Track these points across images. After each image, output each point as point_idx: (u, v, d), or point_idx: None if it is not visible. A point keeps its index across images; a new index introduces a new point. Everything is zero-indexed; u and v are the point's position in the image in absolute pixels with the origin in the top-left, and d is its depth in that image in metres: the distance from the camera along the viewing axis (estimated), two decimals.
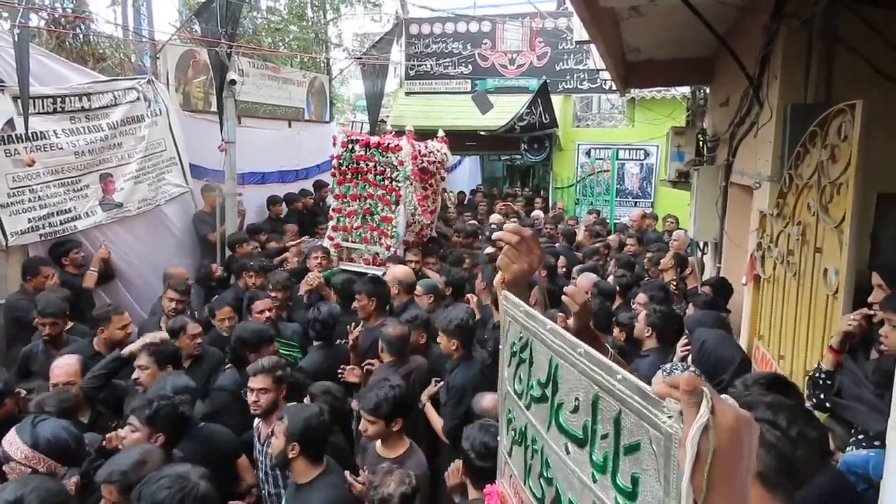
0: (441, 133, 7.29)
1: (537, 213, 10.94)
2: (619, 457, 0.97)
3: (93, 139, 6.11)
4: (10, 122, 5.32)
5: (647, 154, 12.93)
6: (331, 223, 6.51)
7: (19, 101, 5.20)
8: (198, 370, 4.32)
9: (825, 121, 2.81)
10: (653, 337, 4.21)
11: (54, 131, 5.76)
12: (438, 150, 6.96)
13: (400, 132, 7.10)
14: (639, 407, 0.90)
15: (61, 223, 5.84)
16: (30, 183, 5.58)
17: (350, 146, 6.24)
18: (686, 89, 10.07)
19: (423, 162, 6.50)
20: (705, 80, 6.88)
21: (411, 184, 6.26)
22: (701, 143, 6.58)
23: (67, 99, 5.88)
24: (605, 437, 1.01)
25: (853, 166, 2.51)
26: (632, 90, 10.87)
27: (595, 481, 1.03)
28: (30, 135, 5.45)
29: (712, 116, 6.58)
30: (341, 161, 6.28)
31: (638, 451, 0.91)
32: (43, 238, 5.69)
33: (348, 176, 6.30)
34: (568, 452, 1.13)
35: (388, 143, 6.21)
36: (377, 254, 6.25)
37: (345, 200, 6.36)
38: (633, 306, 5.06)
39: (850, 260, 2.56)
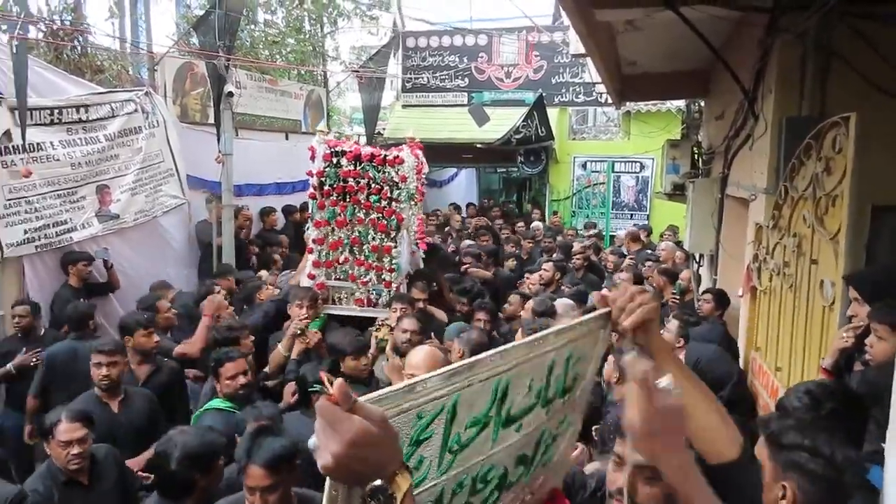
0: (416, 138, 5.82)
1: (537, 223, 10.93)
2: (567, 374, 1.37)
3: (90, 151, 6.11)
4: (7, 134, 5.32)
5: (642, 167, 12.99)
6: (311, 257, 5.24)
7: (17, 112, 5.21)
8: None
9: (820, 133, 2.83)
10: (683, 348, 4.19)
11: (51, 143, 5.76)
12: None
13: (398, 143, 6.21)
14: (584, 330, 1.36)
15: (57, 235, 5.82)
16: (26, 194, 5.56)
17: (335, 160, 5.10)
18: (681, 102, 10.13)
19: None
20: (700, 94, 6.91)
21: (415, 204, 5.31)
22: (696, 155, 6.61)
23: (65, 110, 5.88)
24: (557, 376, 1.34)
25: (848, 178, 2.53)
26: (627, 103, 10.94)
27: (560, 403, 1.40)
28: (27, 146, 5.45)
29: (707, 129, 6.62)
30: (324, 178, 5.11)
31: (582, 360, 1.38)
32: (39, 250, 5.67)
33: (333, 197, 5.13)
34: (520, 429, 1.33)
35: (385, 156, 5.16)
36: (373, 293, 5.18)
37: (329, 228, 5.18)
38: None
39: (846, 271, 2.57)
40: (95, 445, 3.24)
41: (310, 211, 5.35)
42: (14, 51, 5.03)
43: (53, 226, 5.79)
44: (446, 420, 1.15)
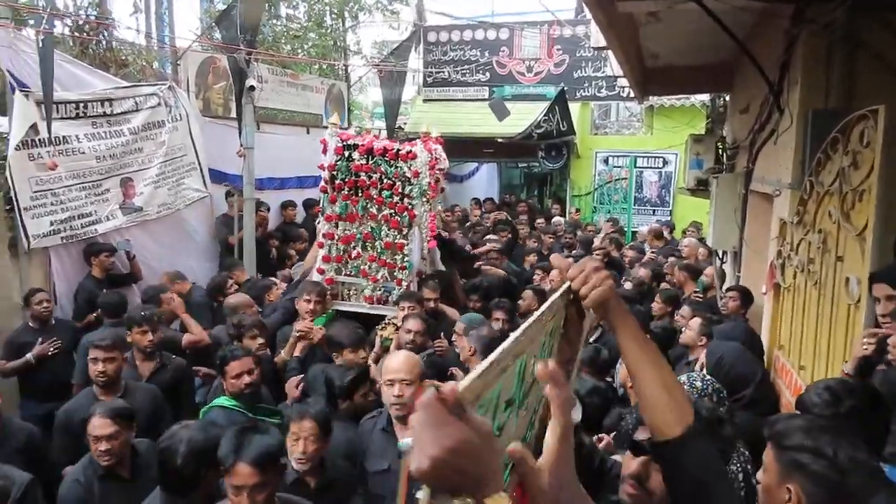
0: (434, 132, 5.69)
1: (558, 219, 10.85)
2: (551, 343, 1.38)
3: (114, 144, 6.19)
4: (33, 127, 5.41)
5: (665, 162, 12.84)
6: (321, 252, 5.13)
7: (43, 106, 5.30)
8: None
9: (847, 126, 2.76)
10: (706, 345, 4.13)
11: (77, 136, 5.85)
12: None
13: (413, 137, 6.06)
14: (558, 305, 1.35)
15: (82, 226, 5.92)
16: (52, 187, 5.66)
17: (347, 153, 4.98)
18: (705, 96, 9.98)
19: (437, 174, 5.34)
20: (725, 87, 6.81)
21: (428, 201, 5.17)
22: (720, 150, 6.52)
23: (90, 104, 5.98)
24: (545, 352, 1.34)
25: (875, 172, 2.46)
26: (650, 97, 10.81)
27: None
28: (53, 139, 5.54)
29: (732, 123, 6.52)
30: (335, 172, 5.00)
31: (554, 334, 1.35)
32: (64, 241, 5.77)
33: (345, 192, 5.02)
34: (527, 408, 1.32)
35: (398, 150, 5.00)
36: (383, 290, 5.07)
37: (340, 223, 5.08)
38: (675, 319, 5.01)
39: (873, 268, 2.51)
40: (138, 439, 3.23)
41: (321, 205, 5.28)
42: (41, 45, 5.11)
43: (78, 218, 5.89)
44: (494, 407, 1.14)
